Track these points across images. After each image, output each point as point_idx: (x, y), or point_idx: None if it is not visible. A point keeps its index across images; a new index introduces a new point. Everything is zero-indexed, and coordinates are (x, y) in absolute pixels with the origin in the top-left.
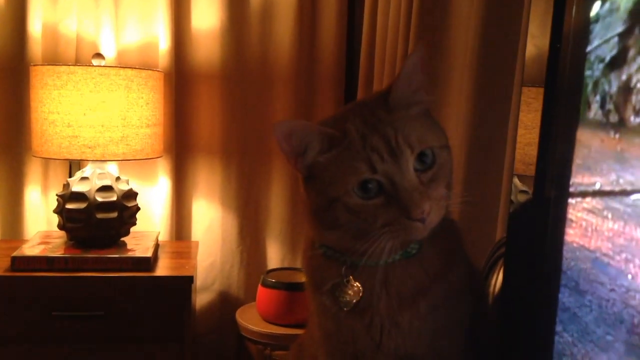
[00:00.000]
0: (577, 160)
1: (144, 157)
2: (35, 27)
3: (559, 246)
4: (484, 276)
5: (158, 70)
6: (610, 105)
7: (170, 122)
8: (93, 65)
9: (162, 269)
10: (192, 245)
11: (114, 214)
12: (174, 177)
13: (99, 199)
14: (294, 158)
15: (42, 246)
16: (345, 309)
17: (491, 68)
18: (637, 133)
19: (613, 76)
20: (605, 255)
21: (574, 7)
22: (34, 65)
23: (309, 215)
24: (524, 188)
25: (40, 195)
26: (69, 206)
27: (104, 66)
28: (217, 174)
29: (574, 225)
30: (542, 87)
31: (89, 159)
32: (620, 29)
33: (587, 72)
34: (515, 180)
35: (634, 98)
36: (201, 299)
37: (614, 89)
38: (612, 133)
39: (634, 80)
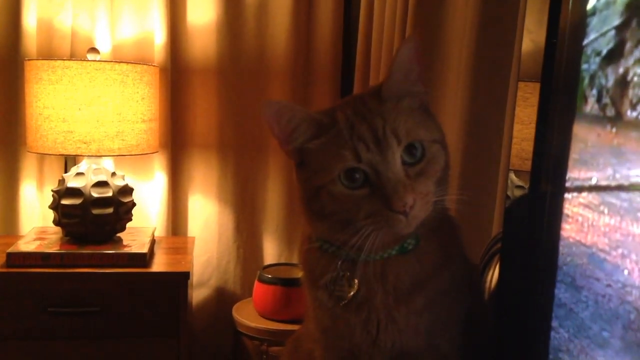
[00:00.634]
0: (574, 154)
1: (140, 153)
2: (30, 21)
3: (555, 242)
4: (481, 271)
5: (154, 65)
6: (606, 99)
7: (166, 117)
8: (88, 60)
9: (158, 265)
10: (189, 241)
11: (110, 210)
12: (170, 173)
13: (95, 194)
14: (283, 142)
15: (38, 242)
16: (341, 303)
17: (488, 63)
18: (634, 127)
19: (610, 70)
20: (601, 250)
21: (571, 0)
22: (29, 59)
23: (302, 204)
24: (521, 183)
25: (35, 191)
26: (64, 202)
27: (99, 61)
28: (213, 169)
29: (570, 220)
30: (539, 82)
31: (84, 154)
32: (616, 22)
33: (584, 66)
34: (512, 175)
35: (630, 92)
36: (197, 294)
37: (611, 82)
38: (608, 127)
39: (630, 73)
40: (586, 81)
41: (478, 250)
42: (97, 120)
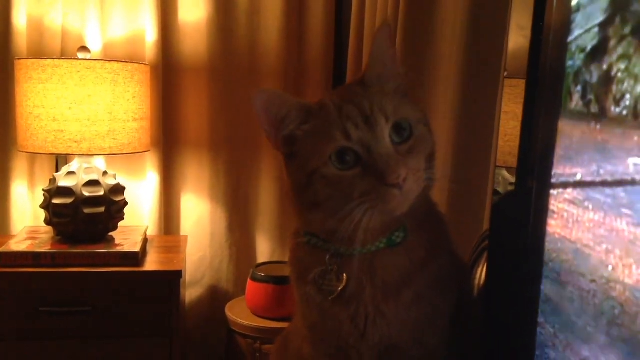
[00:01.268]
0: (559, 151)
1: (131, 151)
2: (20, 20)
3: (540, 237)
4: (470, 267)
5: (144, 64)
6: (591, 96)
7: (158, 115)
8: (78, 59)
9: (151, 264)
10: (181, 240)
11: (101, 209)
12: (162, 171)
13: (86, 193)
14: (273, 132)
15: (29, 242)
16: (329, 297)
17: (479, 60)
18: (618, 123)
19: (594, 66)
20: (586, 246)
21: None
22: (19, 58)
23: (292, 198)
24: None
25: (26, 190)
26: (55, 201)
27: (89, 59)
28: (205, 168)
29: (555, 216)
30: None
31: (75, 153)
32: (600, 18)
33: (569, 62)
34: (505, 172)
35: (614, 88)
36: (190, 293)
37: (595, 79)
38: (593, 123)
39: (614, 70)
40: (571, 77)
41: (470, 246)
42: (88, 119)
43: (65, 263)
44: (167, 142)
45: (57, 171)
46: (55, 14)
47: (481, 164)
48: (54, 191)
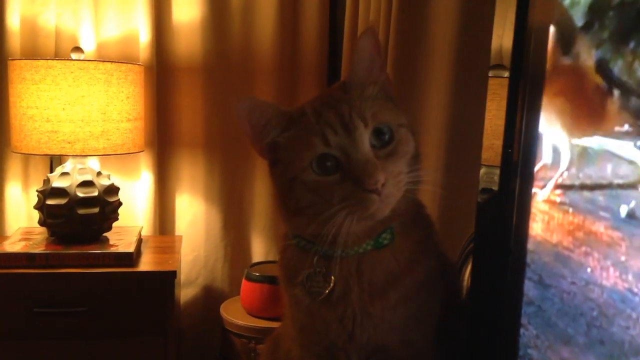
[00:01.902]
0: (541, 153)
1: (125, 152)
2: (13, 20)
3: (523, 239)
4: (458, 269)
5: (138, 64)
6: None
7: (152, 116)
8: (72, 59)
9: (145, 264)
10: (176, 240)
11: (96, 210)
12: (157, 172)
13: (80, 194)
14: (256, 139)
15: (23, 243)
16: (317, 299)
17: (471, 59)
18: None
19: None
20: (566, 248)
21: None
22: (12, 59)
23: (277, 203)
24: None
25: (20, 191)
26: (49, 202)
27: (83, 60)
28: (200, 168)
29: (537, 219)
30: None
31: (69, 154)
32: (580, 23)
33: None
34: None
35: None
36: (185, 293)
37: None
38: None
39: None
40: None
41: (459, 247)
42: (82, 119)
43: (59, 264)
44: (161, 143)
45: (51, 172)
46: (49, 14)
47: (472, 163)
48: (48, 192)
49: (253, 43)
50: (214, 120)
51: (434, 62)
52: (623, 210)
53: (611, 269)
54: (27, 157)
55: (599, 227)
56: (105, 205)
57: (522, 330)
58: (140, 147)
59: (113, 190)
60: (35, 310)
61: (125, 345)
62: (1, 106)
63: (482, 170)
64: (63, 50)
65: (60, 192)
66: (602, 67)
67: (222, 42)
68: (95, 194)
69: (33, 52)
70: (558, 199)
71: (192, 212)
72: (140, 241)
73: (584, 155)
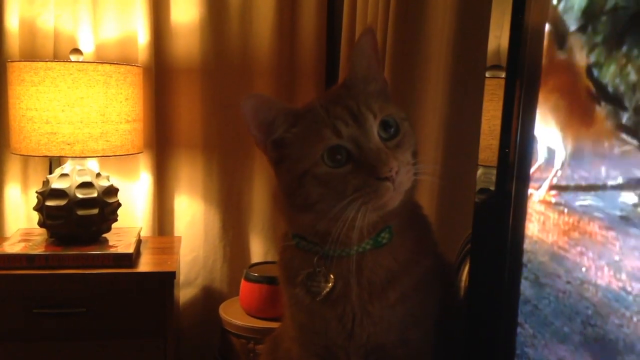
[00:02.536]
0: (537, 154)
1: (124, 153)
2: (12, 22)
3: (519, 240)
4: (456, 269)
5: (137, 66)
6: None
7: (151, 117)
8: (71, 61)
9: (145, 265)
10: (175, 241)
11: (95, 211)
12: (156, 173)
13: (79, 195)
14: (262, 137)
15: (23, 244)
16: (317, 299)
17: (468, 59)
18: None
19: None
20: (561, 248)
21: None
22: (11, 61)
23: (282, 202)
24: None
25: (20, 192)
26: (48, 203)
27: (81, 62)
28: (198, 169)
29: (533, 219)
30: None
31: (68, 155)
32: (574, 27)
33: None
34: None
35: None
36: (184, 294)
37: None
38: None
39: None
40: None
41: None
42: (81, 121)
43: (59, 265)
44: (160, 144)
45: (50, 173)
46: (48, 16)
47: (470, 162)
48: (47, 193)
49: (251, 45)
50: (212, 121)
51: (431, 64)
52: (617, 211)
53: (605, 269)
54: (26, 159)
55: (594, 227)
56: (105, 206)
57: (518, 329)
58: (139, 148)
59: (112, 191)
60: (35, 311)
61: (124, 345)
62: (0, 108)
63: (480, 171)
64: (62, 52)
65: (59, 193)
66: (590, 73)
67: (221, 44)
68: (95, 195)
69: (32, 54)
70: (553, 200)
71: (191, 212)
72: (139, 242)
73: (577, 156)
